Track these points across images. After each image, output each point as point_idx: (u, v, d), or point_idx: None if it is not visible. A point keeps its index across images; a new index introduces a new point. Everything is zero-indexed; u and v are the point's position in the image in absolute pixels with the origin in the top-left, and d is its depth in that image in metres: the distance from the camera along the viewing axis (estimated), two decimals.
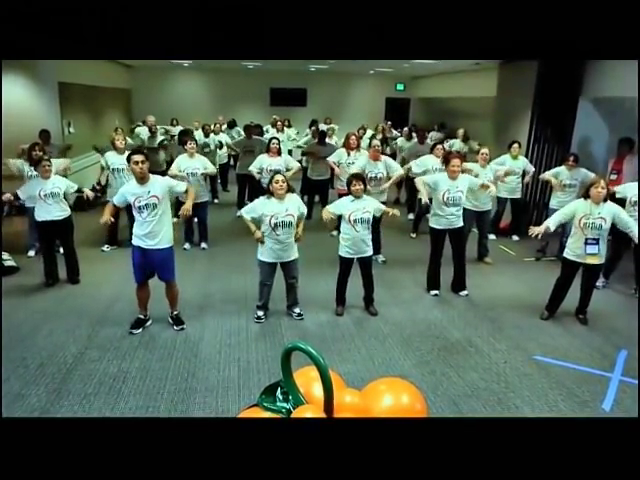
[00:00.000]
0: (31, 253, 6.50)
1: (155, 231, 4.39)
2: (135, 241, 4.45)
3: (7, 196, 5.46)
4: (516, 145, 7.41)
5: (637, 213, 5.49)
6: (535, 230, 4.85)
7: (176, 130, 10.57)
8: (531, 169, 7.57)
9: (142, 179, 4.37)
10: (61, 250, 5.82)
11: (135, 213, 4.40)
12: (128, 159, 4.45)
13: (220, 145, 9.34)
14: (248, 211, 4.75)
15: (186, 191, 4.63)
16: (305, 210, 4.86)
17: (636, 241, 4.70)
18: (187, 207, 4.53)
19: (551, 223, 4.88)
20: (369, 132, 10.80)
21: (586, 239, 4.74)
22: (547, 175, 6.99)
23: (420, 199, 6.16)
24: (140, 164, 4.30)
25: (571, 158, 6.77)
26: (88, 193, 5.88)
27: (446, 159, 5.59)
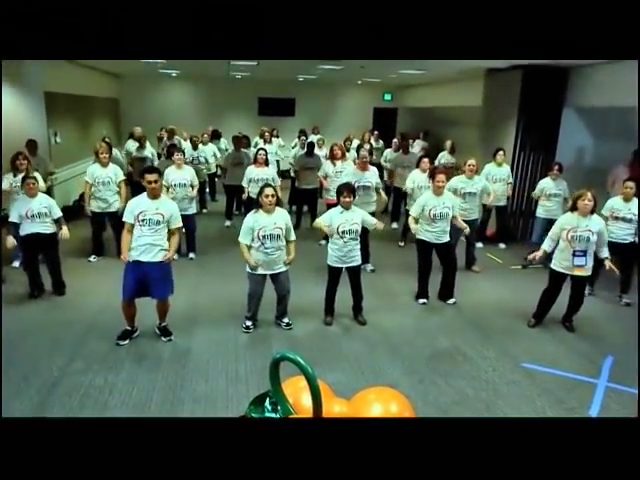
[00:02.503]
0: (16, 264, 6.41)
1: (153, 245, 4.39)
2: (131, 254, 4.41)
3: (11, 241, 5.29)
4: (501, 152, 7.53)
5: (626, 224, 5.59)
6: (535, 255, 5.05)
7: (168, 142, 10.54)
8: (509, 179, 7.66)
9: (155, 197, 4.42)
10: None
11: (136, 226, 4.38)
12: (141, 176, 4.45)
13: (206, 161, 9.39)
14: (244, 235, 4.66)
15: (174, 232, 4.57)
16: (293, 233, 4.82)
17: (607, 256, 4.86)
18: (170, 256, 4.54)
19: (546, 246, 5.02)
20: (355, 142, 10.87)
21: (574, 251, 4.80)
22: (536, 194, 7.07)
23: (407, 210, 6.22)
24: (154, 183, 4.36)
25: (555, 167, 6.89)
26: (64, 232, 5.52)
27: (432, 174, 5.67)
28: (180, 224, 4.66)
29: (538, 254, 5.03)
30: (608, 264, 4.86)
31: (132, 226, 4.43)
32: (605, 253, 4.89)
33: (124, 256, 4.43)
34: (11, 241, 5.31)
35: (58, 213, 5.56)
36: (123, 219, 4.52)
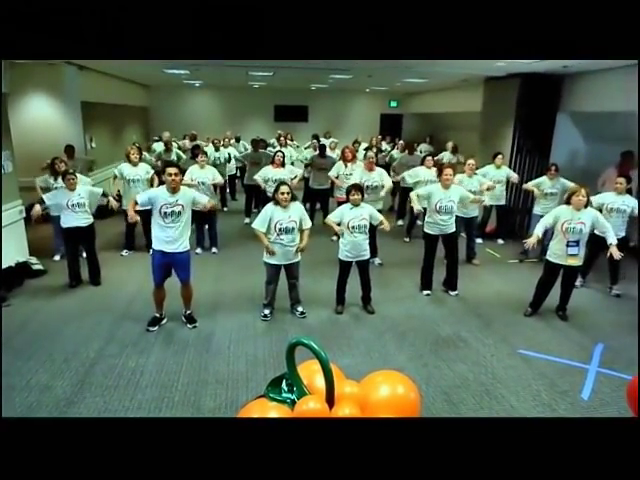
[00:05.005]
0: (57, 257, 6.51)
1: (176, 237, 4.39)
2: (156, 245, 4.42)
3: (37, 209, 5.38)
4: (500, 156, 7.43)
5: (619, 216, 5.49)
6: (529, 242, 4.84)
7: (189, 145, 10.56)
8: (514, 177, 7.55)
9: (174, 189, 4.37)
10: (84, 254, 5.83)
11: (158, 218, 4.35)
12: (163, 171, 4.46)
13: (229, 158, 9.38)
14: (260, 223, 4.65)
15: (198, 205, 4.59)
16: (308, 221, 4.81)
17: (613, 242, 4.69)
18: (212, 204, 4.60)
19: (539, 231, 4.86)
20: (363, 144, 10.82)
21: (568, 241, 4.75)
22: (530, 185, 6.95)
23: (412, 207, 6.16)
24: (174, 176, 4.33)
25: (552, 168, 6.78)
26: (113, 203, 5.89)
27: (440, 170, 5.62)
28: (205, 198, 4.64)
29: (532, 240, 4.84)
30: (614, 250, 4.64)
31: (142, 212, 4.42)
32: (612, 239, 4.69)
33: (131, 215, 4.41)
34: (37, 209, 5.35)
35: (99, 191, 5.75)
36: (136, 198, 4.41)
